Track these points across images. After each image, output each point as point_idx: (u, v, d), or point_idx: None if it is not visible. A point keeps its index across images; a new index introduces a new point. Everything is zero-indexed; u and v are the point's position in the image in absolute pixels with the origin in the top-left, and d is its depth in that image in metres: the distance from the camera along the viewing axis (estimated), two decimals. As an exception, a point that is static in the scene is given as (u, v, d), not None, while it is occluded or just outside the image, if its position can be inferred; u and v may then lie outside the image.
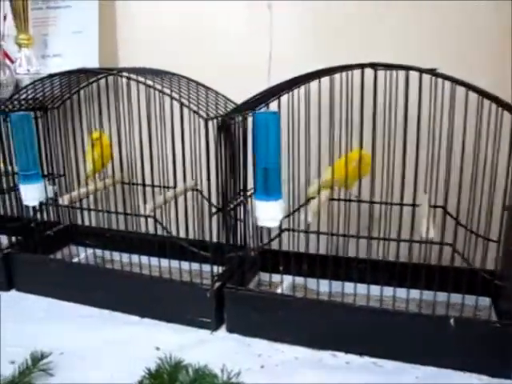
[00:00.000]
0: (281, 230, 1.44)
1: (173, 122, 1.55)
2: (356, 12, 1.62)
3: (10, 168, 1.78)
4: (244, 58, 1.78)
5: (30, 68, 1.82)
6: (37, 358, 1.26)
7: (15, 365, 1.25)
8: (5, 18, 1.87)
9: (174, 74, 1.59)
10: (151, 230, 1.76)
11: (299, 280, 1.63)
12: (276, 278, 1.67)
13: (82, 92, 1.85)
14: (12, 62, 1.88)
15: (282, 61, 1.73)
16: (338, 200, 1.54)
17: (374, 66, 1.20)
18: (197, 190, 1.73)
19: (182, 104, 1.40)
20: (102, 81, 1.75)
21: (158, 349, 1.41)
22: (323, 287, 1.49)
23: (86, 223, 1.96)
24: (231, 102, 1.68)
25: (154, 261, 1.66)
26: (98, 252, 1.97)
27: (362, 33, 1.63)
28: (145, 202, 1.61)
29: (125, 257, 1.85)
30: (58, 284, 1.74)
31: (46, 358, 1.27)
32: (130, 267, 1.70)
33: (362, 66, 1.21)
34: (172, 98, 1.42)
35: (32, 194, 1.69)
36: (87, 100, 1.81)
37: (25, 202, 1.74)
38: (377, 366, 1.32)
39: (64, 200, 1.69)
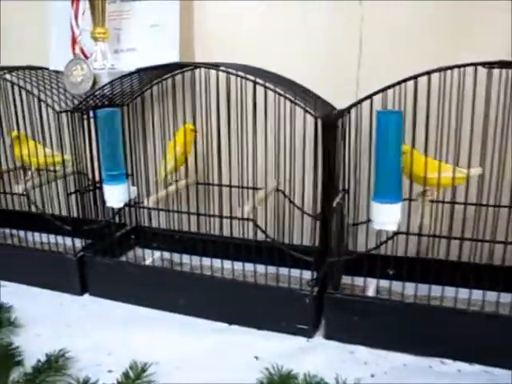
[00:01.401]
0: (394, 234, 1.35)
1: (278, 120, 1.48)
2: (447, 12, 1.53)
3: (89, 167, 1.71)
4: (332, 56, 1.69)
5: (106, 63, 1.75)
6: (139, 369, 1.20)
7: (113, 374, 1.21)
8: (83, 13, 1.81)
9: (269, 72, 1.50)
10: (235, 232, 1.69)
11: (383, 283, 1.53)
12: (358, 280, 1.59)
13: (155, 87, 1.79)
14: (86, 57, 1.82)
15: (372, 59, 1.65)
16: (443, 202, 1.47)
17: (489, 64, 1.16)
18: (279, 190, 1.65)
19: (292, 101, 1.32)
20: (186, 76, 1.68)
21: (256, 358, 1.35)
22: (409, 290, 1.40)
23: (153, 225, 1.90)
24: (326, 101, 1.60)
25: (228, 264, 1.60)
26: (166, 255, 1.90)
27: (453, 32, 1.54)
28: (218, 203, 1.54)
29: (195, 259, 1.78)
30: (135, 289, 1.69)
31: (148, 370, 1.21)
32: (200, 270, 1.61)
33: (474, 65, 1.16)
34: (280, 94, 1.35)
35: (117, 195, 1.62)
36: (163, 95, 1.75)
37: (108, 204, 1.66)
38: (489, 374, 1.23)
39: (149, 202, 1.62)
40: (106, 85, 1.61)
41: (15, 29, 2.15)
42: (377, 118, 1.23)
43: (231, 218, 1.58)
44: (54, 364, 1.20)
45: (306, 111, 1.31)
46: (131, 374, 1.18)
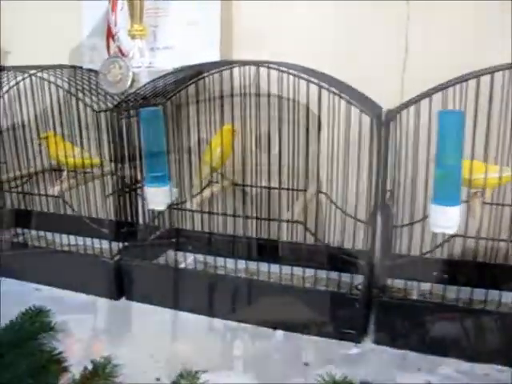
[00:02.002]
0: (451, 236, 1.28)
1: (333, 120, 1.43)
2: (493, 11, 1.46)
3: (129, 168, 1.67)
4: (377, 56, 1.62)
5: (144, 61, 1.71)
6: (190, 377, 1.14)
7: (162, 382, 1.16)
8: (121, 9, 1.78)
9: (319, 72, 1.44)
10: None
11: (431, 287, 1.48)
12: (400, 284, 1.52)
13: (193, 87, 1.75)
14: (124, 55, 1.78)
15: (417, 58, 1.58)
16: (491, 204, 1.40)
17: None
18: (321, 192, 1.59)
19: (348, 102, 1.27)
20: (226, 74, 1.64)
21: (306, 364, 1.29)
22: (461, 294, 1.33)
23: (191, 227, 1.86)
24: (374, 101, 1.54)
25: (264, 266, 1.55)
26: (204, 258, 1.86)
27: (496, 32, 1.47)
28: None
29: (234, 263, 1.73)
30: (174, 293, 1.65)
31: (200, 378, 1.16)
32: (244, 274, 1.57)
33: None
34: (335, 93, 1.30)
35: (160, 197, 1.57)
36: (204, 95, 1.72)
37: (150, 206, 1.62)
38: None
39: (193, 204, 1.57)
40: (147, 83, 1.57)
41: (48, 27, 2.14)
42: (438, 117, 1.17)
43: (280, 220, 1.53)
44: (102, 371, 1.16)
45: (362, 111, 1.25)
46: (183, 382, 1.12)
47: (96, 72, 1.80)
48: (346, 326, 1.39)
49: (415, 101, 1.25)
